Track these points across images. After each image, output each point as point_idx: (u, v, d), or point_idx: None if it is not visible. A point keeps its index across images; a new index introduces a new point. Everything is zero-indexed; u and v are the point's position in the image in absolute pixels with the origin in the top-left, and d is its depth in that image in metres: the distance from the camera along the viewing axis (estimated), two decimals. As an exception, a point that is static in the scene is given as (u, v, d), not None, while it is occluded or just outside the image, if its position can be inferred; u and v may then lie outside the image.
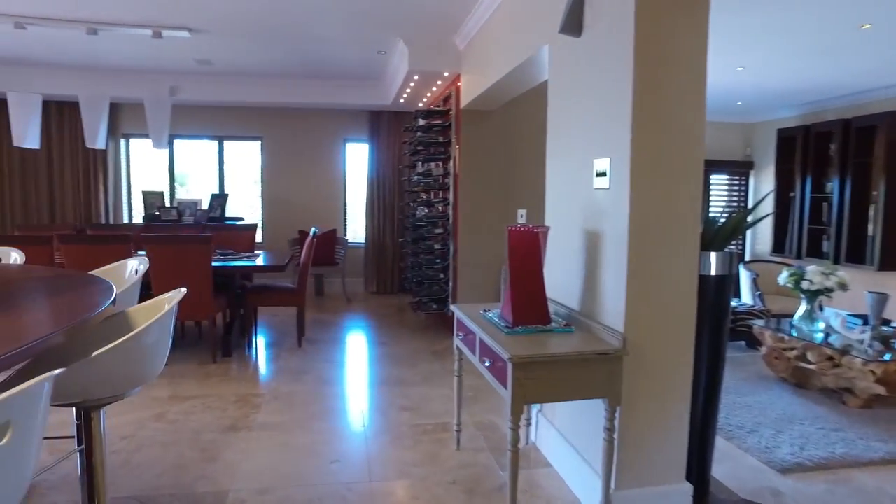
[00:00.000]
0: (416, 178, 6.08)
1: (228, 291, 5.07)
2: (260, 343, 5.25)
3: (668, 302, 2.19)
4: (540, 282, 2.38)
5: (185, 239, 4.40)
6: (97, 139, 4.84)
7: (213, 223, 6.91)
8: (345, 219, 8.03)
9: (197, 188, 8.02)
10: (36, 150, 7.17)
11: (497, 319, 2.49)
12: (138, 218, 7.58)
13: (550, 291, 2.76)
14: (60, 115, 7.20)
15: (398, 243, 7.77)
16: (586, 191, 2.49)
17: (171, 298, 2.03)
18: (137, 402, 3.71)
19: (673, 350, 2.23)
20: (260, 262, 4.97)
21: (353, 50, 5.71)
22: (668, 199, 2.15)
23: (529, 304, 2.39)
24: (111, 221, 7.41)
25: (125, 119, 7.42)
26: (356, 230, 8.17)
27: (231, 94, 7.02)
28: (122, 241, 4.31)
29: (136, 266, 2.75)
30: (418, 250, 5.92)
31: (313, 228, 5.37)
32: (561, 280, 2.73)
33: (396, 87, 6.10)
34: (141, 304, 2.19)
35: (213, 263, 4.59)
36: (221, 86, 6.97)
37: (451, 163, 5.42)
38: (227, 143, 7.79)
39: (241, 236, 5.77)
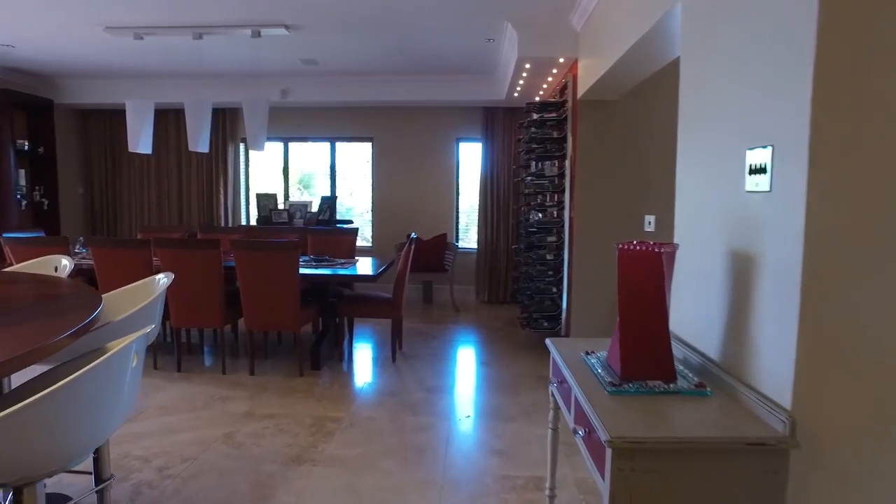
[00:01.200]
0: (528, 178, 5.46)
1: (322, 300, 4.81)
2: (353, 355, 4.93)
3: (874, 366, 1.40)
4: (662, 322, 1.69)
5: (271, 245, 4.16)
6: (199, 142, 4.79)
7: (320, 227, 6.79)
8: (456, 223, 7.59)
9: (320, 190, 8.02)
10: (168, 156, 7.55)
11: (601, 369, 1.83)
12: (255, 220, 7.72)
13: (676, 326, 2.04)
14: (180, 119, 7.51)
15: (512, 250, 7.18)
16: (733, 194, 1.75)
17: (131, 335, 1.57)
18: (213, 416, 3.49)
19: (885, 447, 1.42)
20: (355, 269, 4.65)
21: (461, 39, 5.22)
22: (872, 204, 1.37)
23: (646, 353, 1.71)
24: (230, 223, 7.60)
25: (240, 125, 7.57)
26: (468, 235, 7.70)
27: (341, 93, 6.86)
28: (211, 246, 4.17)
29: (162, 282, 2.43)
30: (530, 259, 5.30)
31: (412, 234, 4.96)
32: (692, 313, 2.00)
33: (508, 80, 5.52)
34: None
35: (301, 271, 4.32)
36: (331, 86, 6.84)
37: (567, 162, 4.73)
38: (338, 145, 7.69)
39: (340, 241, 5.52)
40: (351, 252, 5.47)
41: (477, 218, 7.39)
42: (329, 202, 7.28)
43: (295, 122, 7.52)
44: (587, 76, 4.17)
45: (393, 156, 7.49)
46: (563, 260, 4.84)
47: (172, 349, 4.55)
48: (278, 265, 4.09)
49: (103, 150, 7.72)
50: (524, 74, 5.20)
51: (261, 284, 4.17)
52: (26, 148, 6.77)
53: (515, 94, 6.11)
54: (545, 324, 4.98)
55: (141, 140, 4.87)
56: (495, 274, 7.34)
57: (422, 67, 6.36)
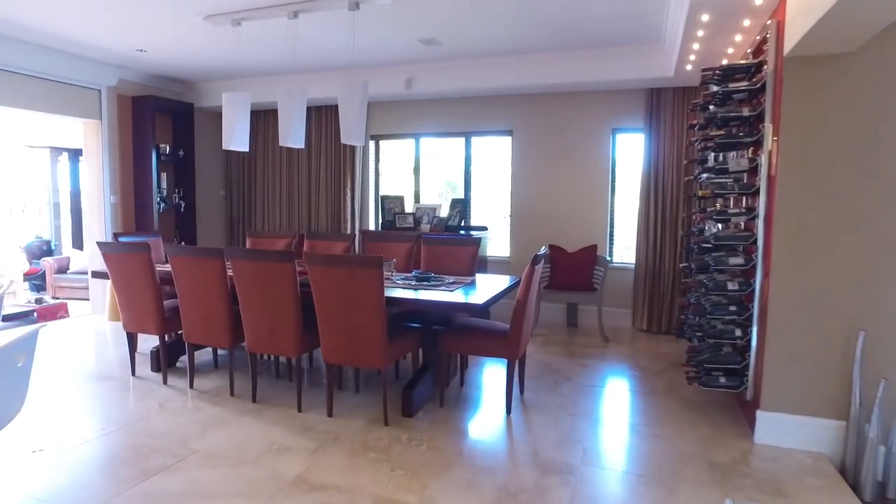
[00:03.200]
0: (703, 176, 4.04)
1: (423, 329, 3.89)
2: (459, 400, 3.94)
3: None
4: None
5: (351, 260, 3.30)
6: (290, 136, 4.14)
7: (433, 234, 5.91)
8: (610, 232, 6.25)
9: (456, 192, 7.20)
10: (300, 157, 7.23)
11: None
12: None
13: None
14: (319, 119, 7.12)
15: (680, 270, 5.68)
16: None
17: None
18: (257, 478, 2.72)
19: None
20: (467, 289, 3.65)
21: (613, -6, 3.99)
22: None
23: None
24: (356, 227, 7.06)
25: (374, 119, 6.99)
26: (624, 248, 6.31)
27: (473, 79, 5.93)
28: (284, 258, 3.45)
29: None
30: (704, 287, 3.88)
31: (542, 249, 3.83)
32: None
33: (677, 45, 4.15)
34: None
35: (392, 293, 3.43)
36: (460, 71, 5.93)
37: (765, 150, 3.27)
38: (474, 140, 6.77)
39: (458, 253, 4.57)
40: (470, 267, 4.49)
41: (636, 227, 5.98)
42: (460, 205, 6.39)
43: (425, 116, 6.76)
44: (801, 19, 2.71)
45: (535, 151, 6.38)
46: (753, 291, 3.38)
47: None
48: (358, 285, 3.24)
49: (241, 153, 7.65)
50: (700, 34, 3.81)
51: (338, 308, 3.36)
52: (168, 151, 6.85)
53: (688, 67, 4.68)
54: (722, 380, 3.54)
55: (235, 137, 4.36)
56: (657, 297, 5.87)
57: (569, 41, 5.18)
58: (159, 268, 4.12)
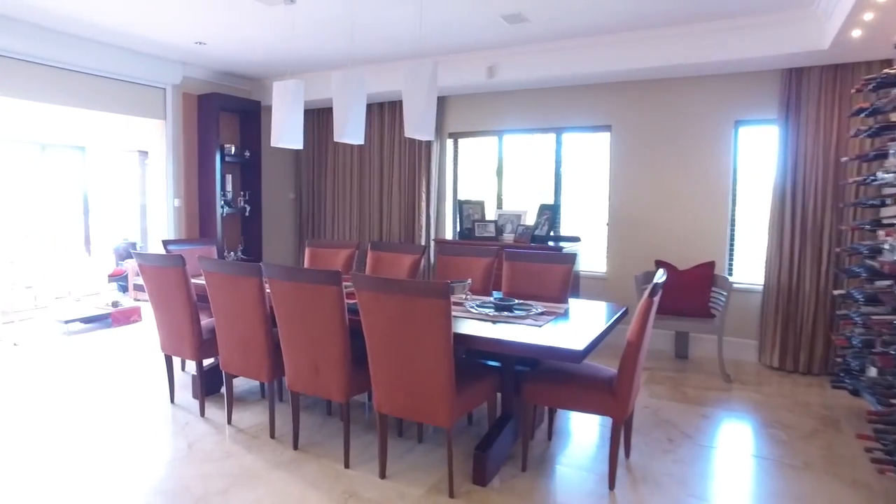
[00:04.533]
0: (870, 179, 2.99)
1: (503, 369, 3.09)
2: (545, 462, 3.09)
3: None
4: None
5: (410, 288, 2.53)
6: (345, 131, 3.47)
7: (535, 246, 5.08)
8: (730, 246, 5.17)
9: (543, 197, 6.34)
10: (371, 158, 6.63)
11: None
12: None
13: None
14: (392, 116, 6.49)
15: (829, 295, 4.54)
16: None
17: None
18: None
19: None
20: (559, 320, 2.82)
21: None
22: None
23: None
24: (431, 235, 6.36)
25: (451, 115, 6.26)
26: (748, 265, 5.20)
27: (565, 65, 5.06)
28: (329, 280, 2.75)
29: None
30: (879, 325, 2.84)
31: (658, 274, 2.92)
32: None
33: (847, 9, 3.12)
34: None
35: (463, 328, 2.65)
36: (551, 56, 5.08)
37: None
38: (566, 137, 5.87)
39: (549, 272, 3.72)
40: (562, 291, 3.64)
41: (766, 241, 4.88)
42: (549, 212, 5.52)
43: (509, 110, 5.95)
44: None
45: (639, 149, 5.40)
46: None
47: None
48: (418, 319, 2.49)
49: (311, 153, 7.16)
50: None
51: (392, 346, 2.63)
52: (233, 152, 6.45)
53: (855, 34, 3.59)
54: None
55: (286, 132, 3.75)
56: (792, 328, 4.74)
57: (683, 12, 4.22)
58: (199, 282, 3.58)
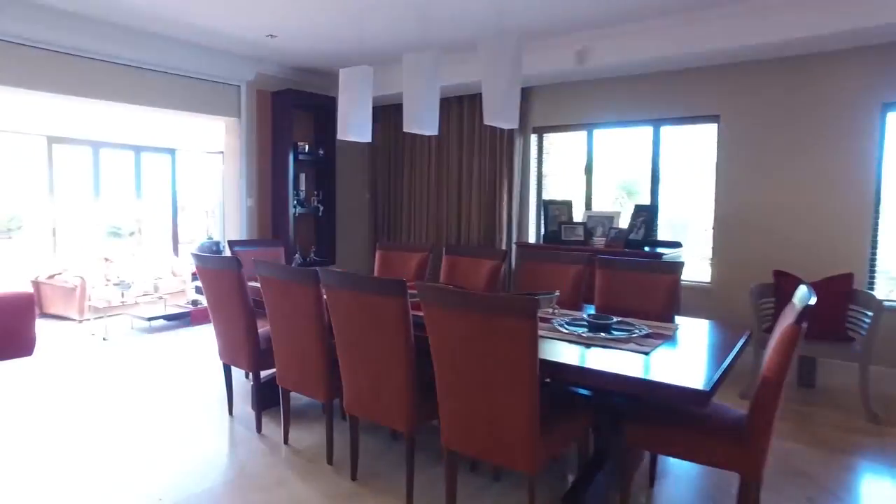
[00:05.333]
0: None
1: (598, 401, 2.55)
2: (654, 515, 2.52)
3: None
4: None
5: (487, 303, 2.05)
6: (415, 120, 3.06)
7: (630, 252, 4.48)
8: (872, 256, 4.33)
9: (634, 197, 5.71)
10: (448, 156, 6.23)
11: None
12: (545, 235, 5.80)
13: None
14: (471, 110, 6.05)
15: None
16: None
17: None
18: None
19: None
20: (664, 356, 2.26)
21: None
22: None
23: None
24: (512, 238, 5.86)
25: (536, 107, 5.74)
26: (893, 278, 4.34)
27: (666, 45, 4.42)
28: (392, 290, 2.33)
29: None
30: None
31: (802, 294, 2.27)
32: None
33: None
34: None
35: (552, 354, 2.15)
36: (649, 35, 4.46)
37: None
38: (664, 130, 5.20)
39: (651, 283, 3.14)
40: (667, 306, 3.05)
41: (921, 248, 4.02)
42: (645, 213, 4.89)
43: (601, 101, 5.35)
44: None
45: (754, 142, 4.66)
46: None
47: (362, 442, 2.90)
48: (497, 342, 2.02)
49: (387, 151, 6.85)
50: None
51: (465, 372, 2.16)
52: (307, 150, 6.25)
53: None
54: None
55: (353, 123, 3.40)
56: (960, 356, 3.85)
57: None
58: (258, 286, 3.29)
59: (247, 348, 3.19)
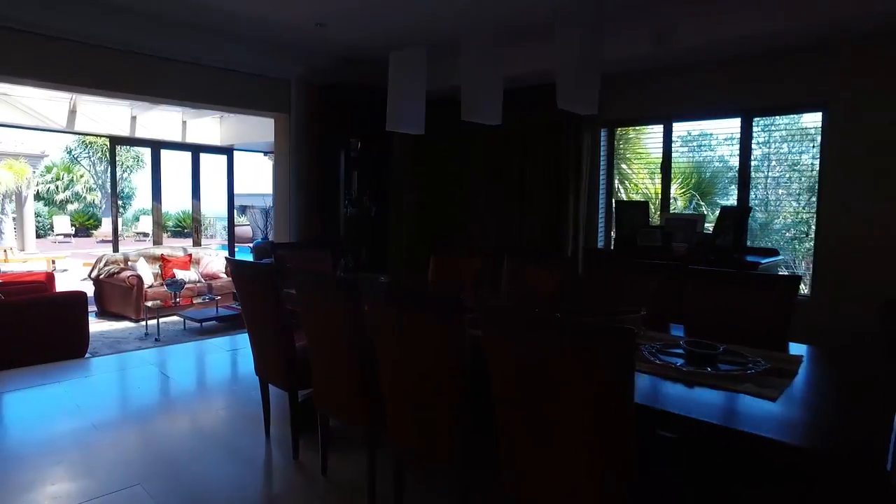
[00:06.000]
0: None
1: (695, 461, 2.04)
2: None
3: None
4: None
5: (565, 329, 1.59)
6: (475, 107, 2.63)
7: (718, 258, 3.89)
8: None
9: (718, 197, 5.09)
10: (508, 153, 5.76)
11: None
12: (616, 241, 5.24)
13: None
14: (534, 103, 5.55)
15: None
16: None
17: None
18: None
19: None
20: (800, 419, 1.74)
21: None
22: None
23: None
24: (579, 243, 5.33)
25: (606, 99, 5.17)
26: None
27: (764, 18, 3.80)
28: (445, 308, 1.90)
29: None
30: None
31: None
32: None
33: None
34: None
35: (647, 396, 1.66)
36: (744, 7, 3.84)
37: None
38: (757, 122, 4.56)
39: (759, 301, 2.58)
40: (780, 328, 2.49)
41: None
42: (734, 216, 4.28)
43: (681, 89, 4.75)
44: None
45: (871, 133, 3.96)
46: None
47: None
48: (575, 377, 1.56)
49: (443, 147, 6.43)
50: None
51: (530, 409, 1.71)
52: (359, 147, 5.93)
53: None
54: None
55: (405, 113, 3.01)
56: None
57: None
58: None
59: (282, 364, 2.84)
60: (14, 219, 15.38)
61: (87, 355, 5.43)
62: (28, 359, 4.95)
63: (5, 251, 13.24)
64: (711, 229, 4.36)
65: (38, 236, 17.08)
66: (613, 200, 5.29)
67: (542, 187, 5.52)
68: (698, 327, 2.63)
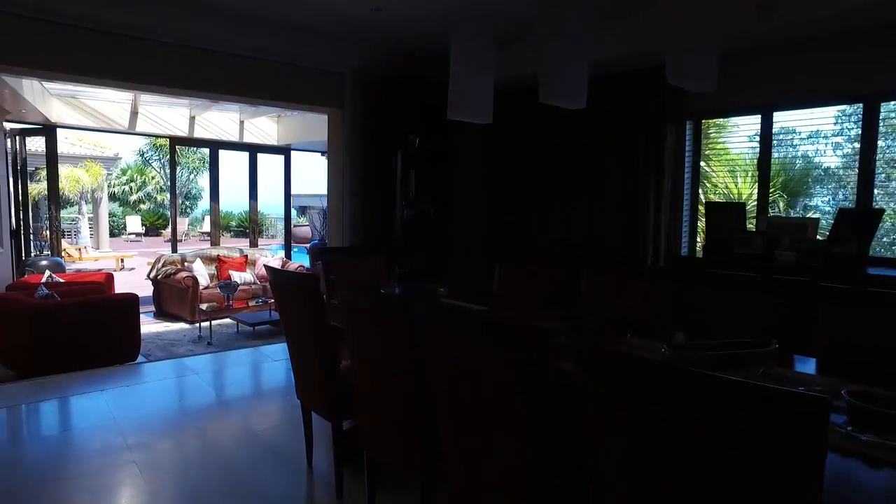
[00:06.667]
0: None
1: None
2: None
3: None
4: None
5: (722, 390, 1.11)
6: (557, 88, 2.15)
7: (840, 273, 3.24)
8: None
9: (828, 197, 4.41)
10: (581, 148, 5.23)
11: None
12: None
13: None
14: (599, 90, 4.99)
15: None
16: None
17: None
18: None
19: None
20: None
21: None
22: None
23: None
24: (660, 251, 4.73)
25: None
26: None
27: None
28: (517, 339, 1.45)
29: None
30: None
31: None
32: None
33: None
34: None
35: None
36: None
37: None
38: (885, 108, 3.85)
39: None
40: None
41: None
42: (855, 219, 3.60)
43: (785, 72, 4.09)
44: None
45: None
46: None
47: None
48: (715, 453, 1.07)
49: (508, 142, 5.96)
50: None
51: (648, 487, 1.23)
52: (417, 144, 5.53)
53: None
54: None
55: (466, 98, 2.56)
56: None
57: None
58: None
59: (323, 392, 2.46)
60: (90, 219, 15.99)
61: (139, 358, 5.31)
62: (80, 362, 4.84)
63: (79, 250, 13.72)
64: (830, 233, 3.69)
65: (112, 235, 17.76)
66: (703, 200, 4.67)
67: (618, 187, 4.96)
68: (841, 363, 2.06)
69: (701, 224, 4.75)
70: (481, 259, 5.93)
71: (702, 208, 4.75)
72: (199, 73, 4.52)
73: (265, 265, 3.21)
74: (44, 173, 10.84)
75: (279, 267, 8.52)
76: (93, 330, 5.00)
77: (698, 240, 4.77)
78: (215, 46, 4.49)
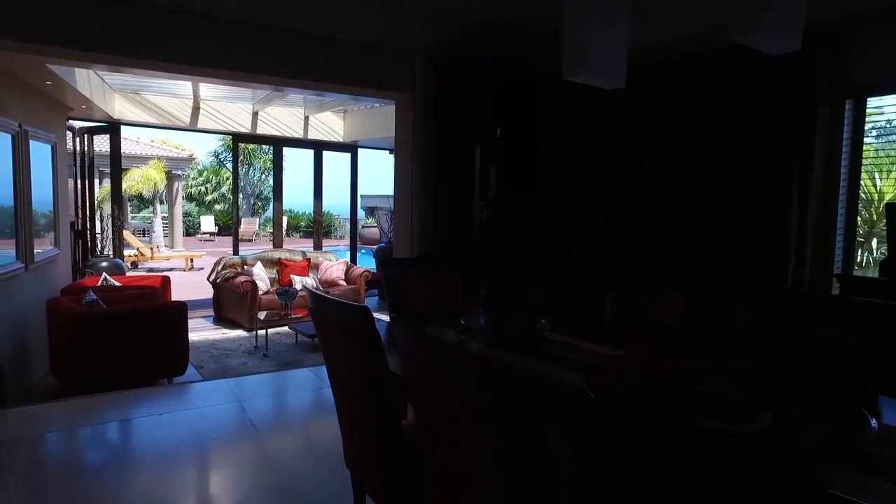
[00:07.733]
0: None
1: None
2: None
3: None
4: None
5: None
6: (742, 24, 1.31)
7: None
8: None
9: None
10: (701, 142, 4.28)
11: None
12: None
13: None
14: (726, 67, 4.02)
15: None
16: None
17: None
18: None
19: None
20: None
21: None
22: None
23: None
24: (805, 265, 3.72)
25: (855, 56, 3.54)
26: None
27: None
28: None
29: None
30: None
31: None
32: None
33: None
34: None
35: None
36: None
37: None
38: None
39: None
40: None
41: None
42: None
43: None
44: None
45: None
46: None
47: None
48: None
49: (607, 132, 5.05)
50: None
51: None
52: (498, 135, 4.75)
53: None
54: None
55: (592, 50, 1.75)
56: None
57: None
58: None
59: (379, 467, 1.72)
60: (163, 218, 16.23)
61: (187, 370, 4.86)
62: (122, 375, 4.41)
63: (151, 249, 13.84)
64: None
65: (186, 234, 18.05)
66: (883, 203, 3.64)
67: (754, 186, 3.98)
68: None
69: (862, 231, 3.72)
70: (574, 269, 5.04)
71: (865, 212, 3.72)
72: (264, 58, 3.98)
73: (305, 287, 2.55)
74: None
75: (342, 273, 7.93)
76: (136, 341, 4.55)
77: (858, 253, 3.74)
78: (269, 21, 3.90)
